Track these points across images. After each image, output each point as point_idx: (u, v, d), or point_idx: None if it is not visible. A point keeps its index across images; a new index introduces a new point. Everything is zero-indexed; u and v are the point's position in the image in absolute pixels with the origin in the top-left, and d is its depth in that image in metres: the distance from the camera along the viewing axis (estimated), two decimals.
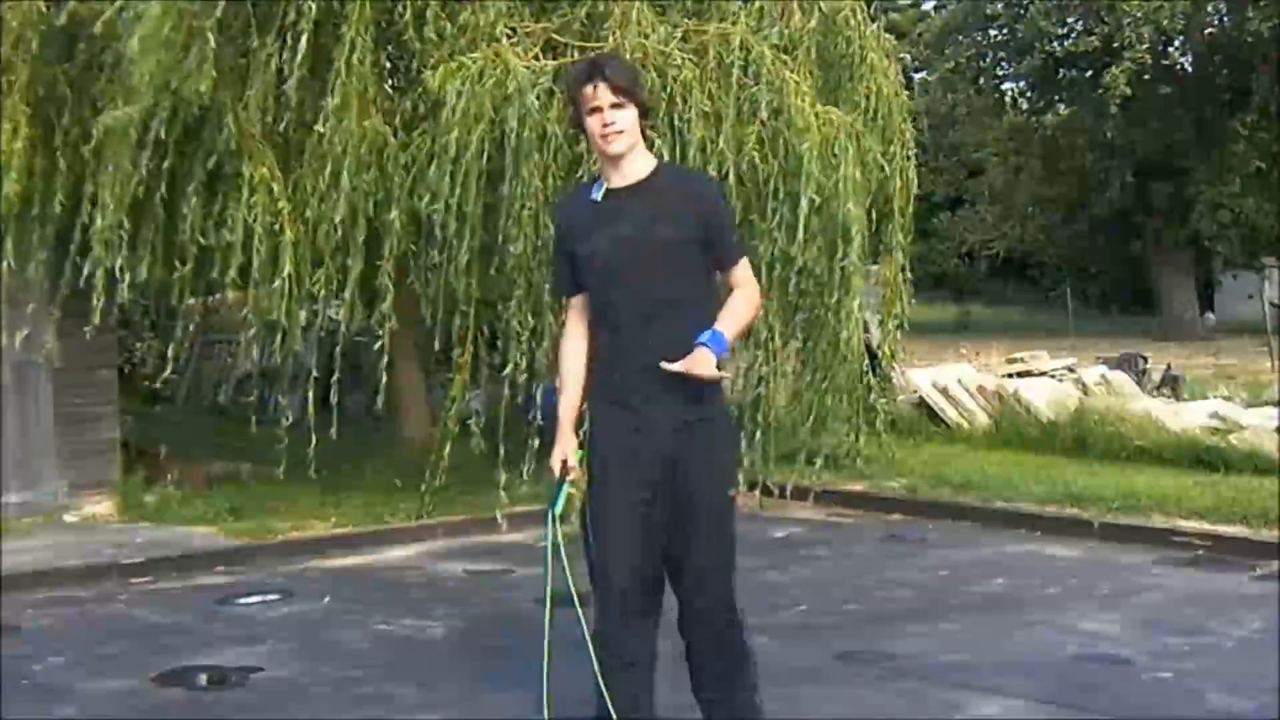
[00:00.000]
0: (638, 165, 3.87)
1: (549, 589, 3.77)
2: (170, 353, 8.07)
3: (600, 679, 3.75)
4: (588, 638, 3.77)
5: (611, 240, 3.81)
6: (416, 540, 8.12)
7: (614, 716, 3.74)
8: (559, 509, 3.85)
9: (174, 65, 7.21)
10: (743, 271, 3.96)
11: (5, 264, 7.79)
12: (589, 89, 3.77)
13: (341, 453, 8.38)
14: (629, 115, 3.80)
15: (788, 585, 7.03)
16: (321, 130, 7.64)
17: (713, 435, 3.86)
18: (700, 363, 3.66)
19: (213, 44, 7.24)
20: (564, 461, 3.83)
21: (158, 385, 8.29)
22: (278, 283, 7.71)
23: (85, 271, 7.67)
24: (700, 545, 3.83)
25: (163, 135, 7.38)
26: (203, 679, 5.40)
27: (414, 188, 7.78)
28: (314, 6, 7.43)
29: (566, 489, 3.85)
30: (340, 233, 7.73)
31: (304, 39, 7.42)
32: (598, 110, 3.78)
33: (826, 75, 9.02)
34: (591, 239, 3.85)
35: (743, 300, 3.89)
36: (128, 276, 7.66)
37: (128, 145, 7.40)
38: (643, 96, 3.95)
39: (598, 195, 3.88)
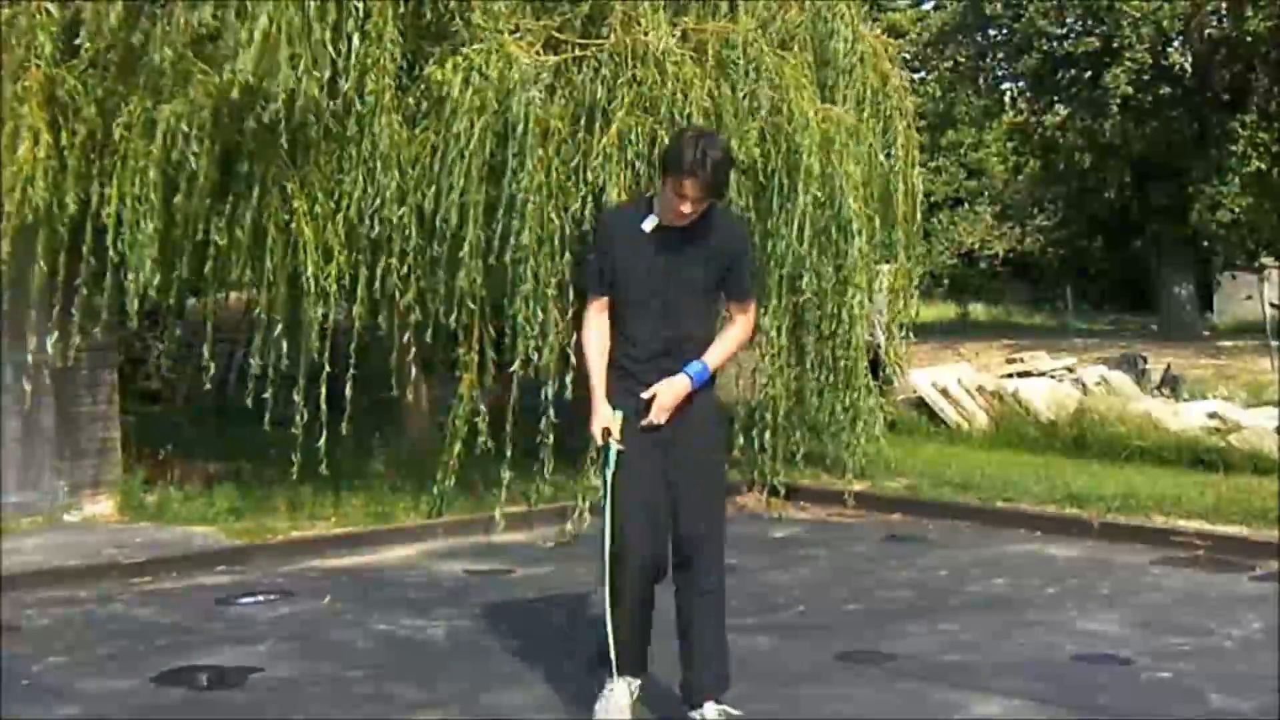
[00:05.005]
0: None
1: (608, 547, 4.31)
2: (206, 353, 8.00)
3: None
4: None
5: (649, 269, 4.43)
6: (416, 540, 8.11)
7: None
8: (611, 469, 4.36)
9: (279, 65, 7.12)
10: (745, 310, 4.67)
11: (36, 267, 7.72)
12: (688, 182, 4.27)
13: (341, 452, 8.39)
14: (703, 208, 4.38)
15: (788, 585, 7.03)
16: (340, 129, 7.63)
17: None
18: (674, 389, 4.39)
19: (324, 46, 7.22)
20: (605, 429, 4.39)
21: (207, 387, 8.16)
22: (303, 279, 7.70)
23: (92, 271, 7.65)
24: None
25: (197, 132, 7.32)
26: (203, 679, 5.39)
27: (420, 183, 7.78)
28: (359, 7, 7.41)
29: (615, 448, 4.36)
30: (363, 227, 7.74)
31: (355, 39, 7.40)
32: (684, 198, 4.30)
33: (822, 73, 9.04)
34: (634, 260, 4.45)
35: (734, 335, 4.64)
36: (137, 275, 7.64)
37: (153, 145, 7.36)
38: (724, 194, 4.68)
39: (648, 227, 4.46)
